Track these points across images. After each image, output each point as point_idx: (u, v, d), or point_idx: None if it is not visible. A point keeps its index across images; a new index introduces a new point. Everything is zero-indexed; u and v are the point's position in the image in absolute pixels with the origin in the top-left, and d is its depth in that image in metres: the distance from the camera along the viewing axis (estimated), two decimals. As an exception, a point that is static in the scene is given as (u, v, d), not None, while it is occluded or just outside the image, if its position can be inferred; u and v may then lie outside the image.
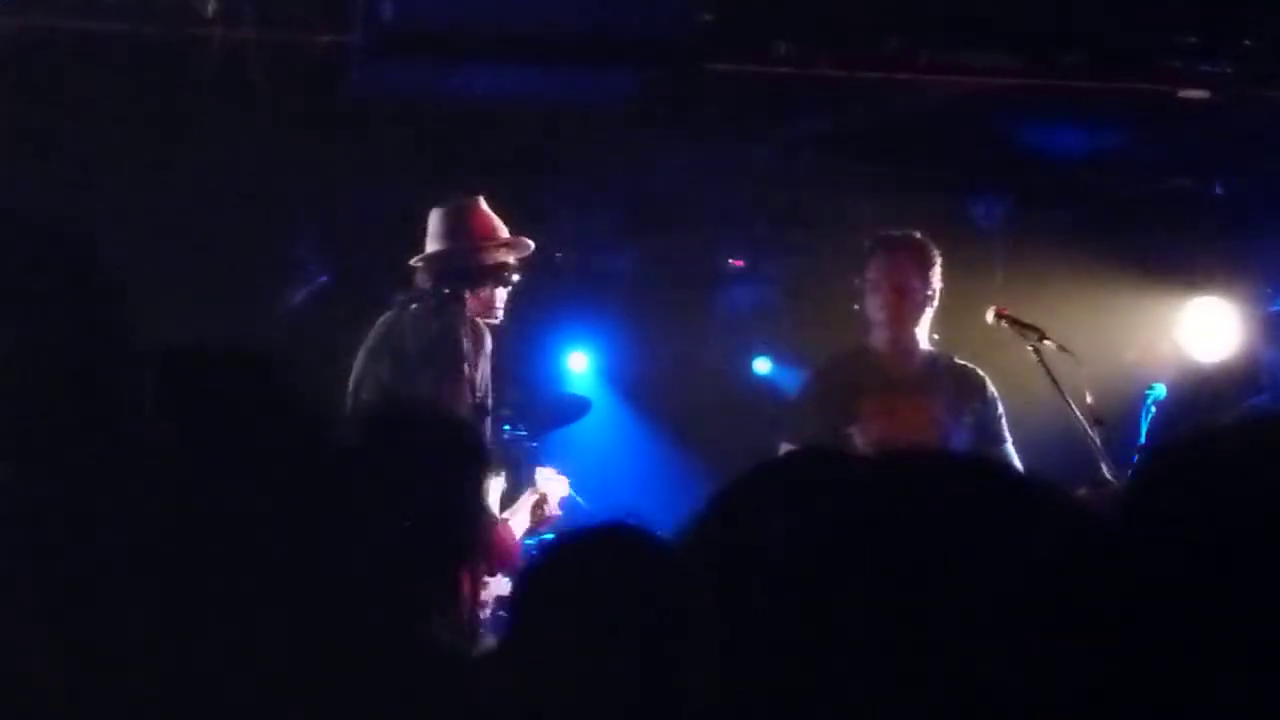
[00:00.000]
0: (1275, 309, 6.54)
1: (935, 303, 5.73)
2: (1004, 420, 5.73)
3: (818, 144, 7.16)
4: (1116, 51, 6.46)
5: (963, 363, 5.81)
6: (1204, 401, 6.79)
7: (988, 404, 5.72)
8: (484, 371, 5.49)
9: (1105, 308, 7.42)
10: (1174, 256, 7.84)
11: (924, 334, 5.75)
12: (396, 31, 5.45)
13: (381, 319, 5.53)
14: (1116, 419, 5.97)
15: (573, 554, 2.15)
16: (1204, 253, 7.84)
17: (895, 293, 5.67)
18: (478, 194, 5.64)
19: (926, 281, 5.69)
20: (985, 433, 5.67)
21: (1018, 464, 5.66)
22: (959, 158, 7.48)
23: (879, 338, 5.75)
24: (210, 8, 5.31)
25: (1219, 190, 7.91)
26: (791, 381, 7.87)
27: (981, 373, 5.78)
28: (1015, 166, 7.62)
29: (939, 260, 5.73)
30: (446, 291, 5.46)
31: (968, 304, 6.04)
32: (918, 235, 5.79)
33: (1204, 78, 6.54)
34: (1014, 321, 5.88)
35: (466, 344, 5.38)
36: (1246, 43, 6.46)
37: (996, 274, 7.72)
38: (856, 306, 5.83)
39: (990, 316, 5.90)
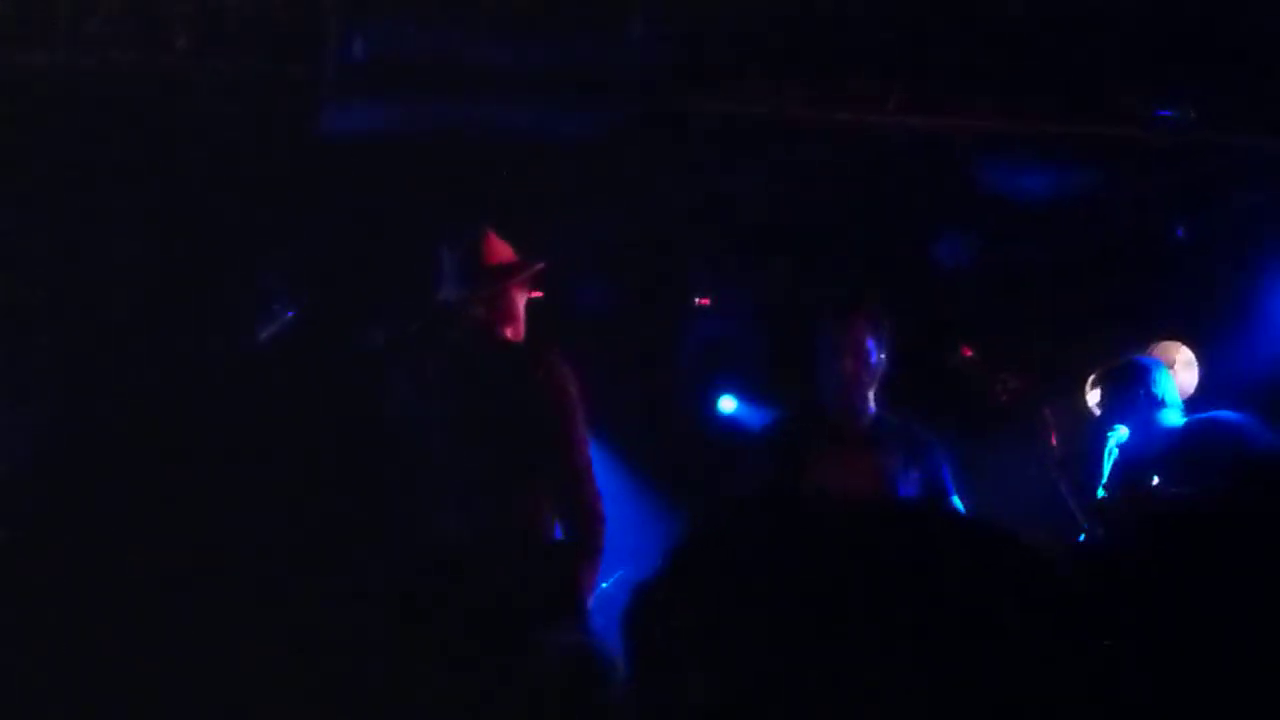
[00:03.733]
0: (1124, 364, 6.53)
1: (885, 367, 5.82)
2: (951, 477, 5.82)
3: (787, 182, 7.19)
4: (1083, 95, 6.51)
5: (910, 422, 5.89)
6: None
7: (935, 461, 5.84)
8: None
9: (1070, 349, 7.44)
10: (1137, 299, 7.88)
11: (874, 397, 5.82)
12: (367, 67, 5.44)
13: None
14: (1080, 460, 6.00)
15: None
16: (1166, 295, 7.89)
17: (851, 360, 5.78)
18: (483, 226, 5.49)
19: (880, 347, 5.80)
20: (932, 489, 5.78)
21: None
22: (926, 198, 7.51)
23: (832, 400, 5.85)
24: (181, 41, 5.30)
25: (1181, 234, 7.96)
26: (755, 420, 7.88)
27: (928, 432, 5.88)
28: (982, 208, 7.65)
29: (888, 326, 5.83)
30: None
31: (933, 345, 6.07)
32: (870, 302, 5.87)
33: (1169, 122, 6.60)
34: (979, 363, 5.92)
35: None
36: (1210, 88, 6.53)
37: (962, 315, 7.75)
38: (809, 368, 5.87)
39: (955, 358, 5.94)
